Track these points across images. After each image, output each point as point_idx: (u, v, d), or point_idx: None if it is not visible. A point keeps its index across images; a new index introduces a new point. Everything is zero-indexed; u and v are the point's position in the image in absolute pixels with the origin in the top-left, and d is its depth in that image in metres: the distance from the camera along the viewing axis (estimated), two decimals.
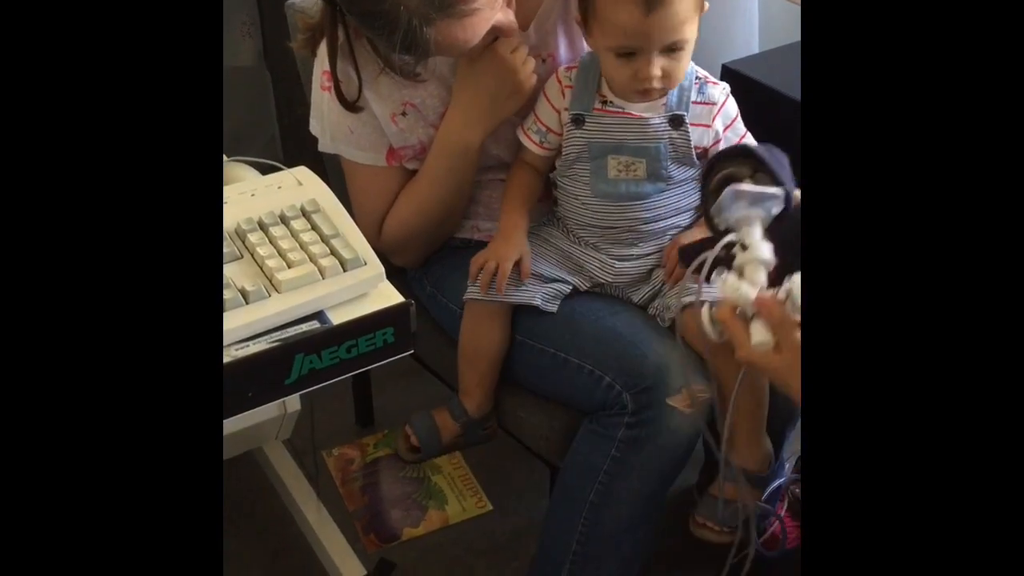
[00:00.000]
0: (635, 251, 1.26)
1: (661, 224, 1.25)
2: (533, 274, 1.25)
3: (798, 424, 1.35)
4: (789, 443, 1.34)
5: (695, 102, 1.21)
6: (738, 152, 1.03)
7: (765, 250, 0.94)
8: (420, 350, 1.47)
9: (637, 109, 1.21)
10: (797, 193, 0.99)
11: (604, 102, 1.22)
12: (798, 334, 0.90)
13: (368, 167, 1.29)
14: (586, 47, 1.26)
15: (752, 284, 0.92)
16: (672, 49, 1.14)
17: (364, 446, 1.79)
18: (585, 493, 1.23)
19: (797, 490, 1.42)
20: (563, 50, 1.29)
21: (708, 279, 0.96)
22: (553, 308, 1.26)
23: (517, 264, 1.24)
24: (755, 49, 1.88)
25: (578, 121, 1.22)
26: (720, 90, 1.23)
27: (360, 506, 1.68)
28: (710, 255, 0.95)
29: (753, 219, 0.96)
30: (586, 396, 1.23)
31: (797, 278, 0.90)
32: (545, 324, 1.26)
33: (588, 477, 1.22)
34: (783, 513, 1.36)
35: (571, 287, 1.27)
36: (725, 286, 0.93)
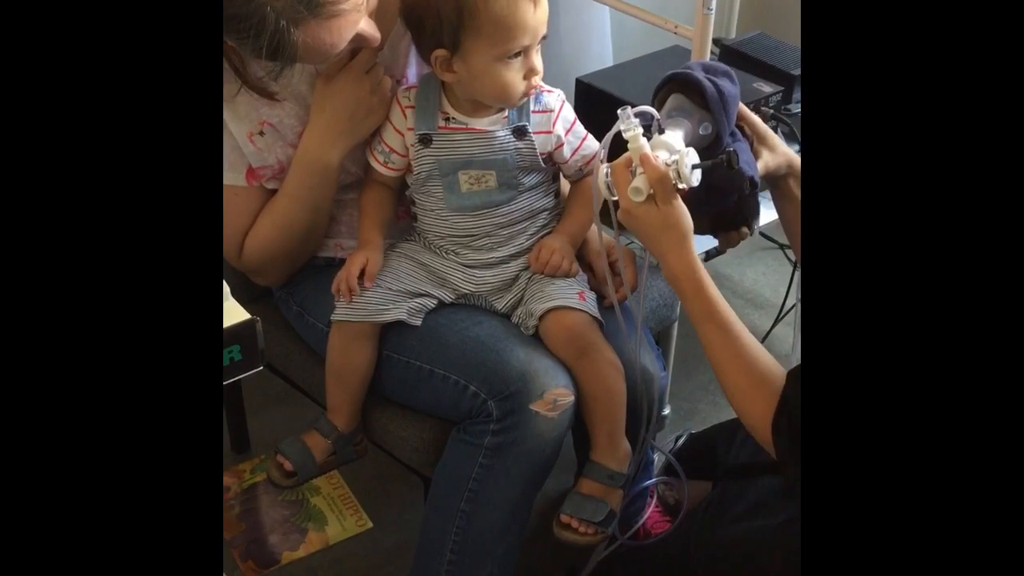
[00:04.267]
0: (495, 255, 1.29)
1: (518, 227, 1.29)
2: (399, 290, 1.27)
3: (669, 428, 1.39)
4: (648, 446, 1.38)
5: (534, 111, 1.25)
6: (694, 88, 1.14)
7: (675, 139, 1.08)
8: (291, 371, 1.47)
9: (481, 124, 1.24)
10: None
11: (447, 119, 1.24)
12: (676, 198, 1.05)
13: (227, 187, 1.28)
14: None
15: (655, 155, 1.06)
16: (540, 40, 1.18)
17: (240, 472, 1.77)
18: (456, 502, 1.24)
19: (664, 490, 1.47)
20: (413, 72, 1.32)
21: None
22: (418, 322, 1.27)
23: (384, 284, 1.25)
24: (609, 63, 1.94)
25: (425, 140, 1.24)
26: (555, 97, 1.27)
27: (237, 533, 1.66)
28: (608, 135, 1.09)
29: (681, 123, 1.11)
30: (453, 406, 1.25)
31: (685, 151, 1.05)
32: (410, 338, 1.27)
33: (458, 486, 1.24)
34: (651, 510, 1.41)
35: (436, 301, 1.29)
36: (630, 143, 1.06)
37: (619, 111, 1.06)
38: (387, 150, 1.27)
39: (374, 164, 1.29)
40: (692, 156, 1.06)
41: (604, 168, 1.10)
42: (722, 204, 1.18)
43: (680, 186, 1.06)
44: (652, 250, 1.10)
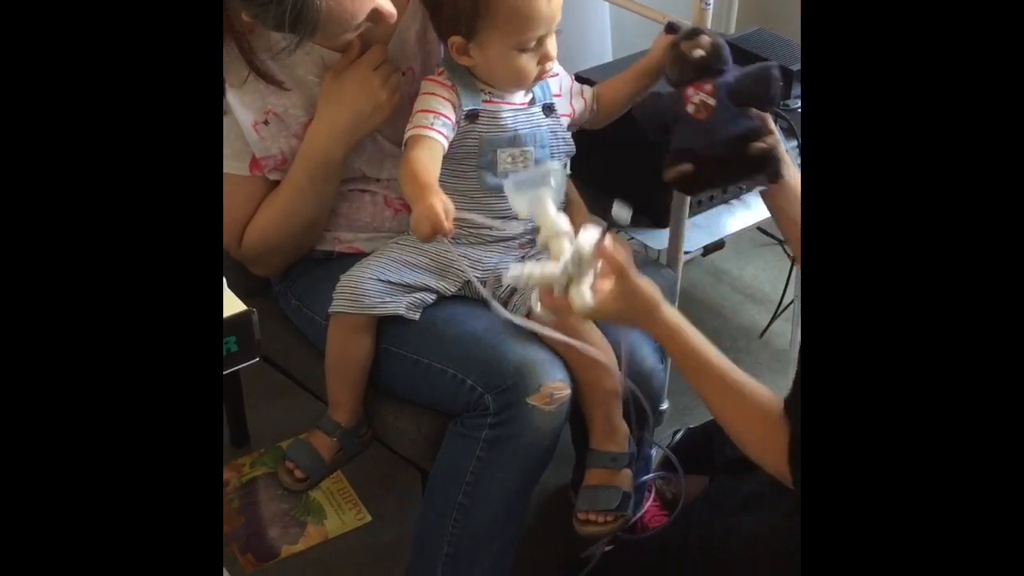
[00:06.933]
0: (502, 242, 1.29)
1: None
2: (398, 283, 1.27)
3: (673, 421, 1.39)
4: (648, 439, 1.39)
5: (555, 95, 1.29)
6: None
7: (561, 223, 1.07)
8: (290, 365, 1.48)
9: (517, 99, 1.26)
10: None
11: (488, 94, 1.25)
12: (607, 280, 1.08)
13: (230, 176, 1.27)
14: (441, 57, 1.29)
15: (555, 257, 1.06)
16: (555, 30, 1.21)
17: (240, 467, 1.77)
18: (454, 495, 1.25)
19: (662, 485, 1.48)
20: (419, 64, 1.32)
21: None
22: (416, 316, 1.27)
23: (384, 277, 1.25)
24: (608, 58, 1.94)
25: (472, 116, 1.24)
26: (563, 77, 1.32)
27: (236, 527, 1.66)
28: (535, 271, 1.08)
29: (540, 198, 1.08)
30: (450, 399, 1.25)
31: (583, 232, 1.05)
32: (408, 332, 1.27)
33: (456, 479, 1.24)
34: (649, 504, 1.42)
35: (435, 295, 1.29)
36: (526, 278, 1.07)
37: (511, 267, 1.09)
38: (450, 122, 1.22)
39: (438, 138, 1.21)
40: (591, 232, 1.05)
41: (535, 299, 1.12)
42: (745, 126, 1.18)
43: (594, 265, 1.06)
44: (634, 328, 1.15)
